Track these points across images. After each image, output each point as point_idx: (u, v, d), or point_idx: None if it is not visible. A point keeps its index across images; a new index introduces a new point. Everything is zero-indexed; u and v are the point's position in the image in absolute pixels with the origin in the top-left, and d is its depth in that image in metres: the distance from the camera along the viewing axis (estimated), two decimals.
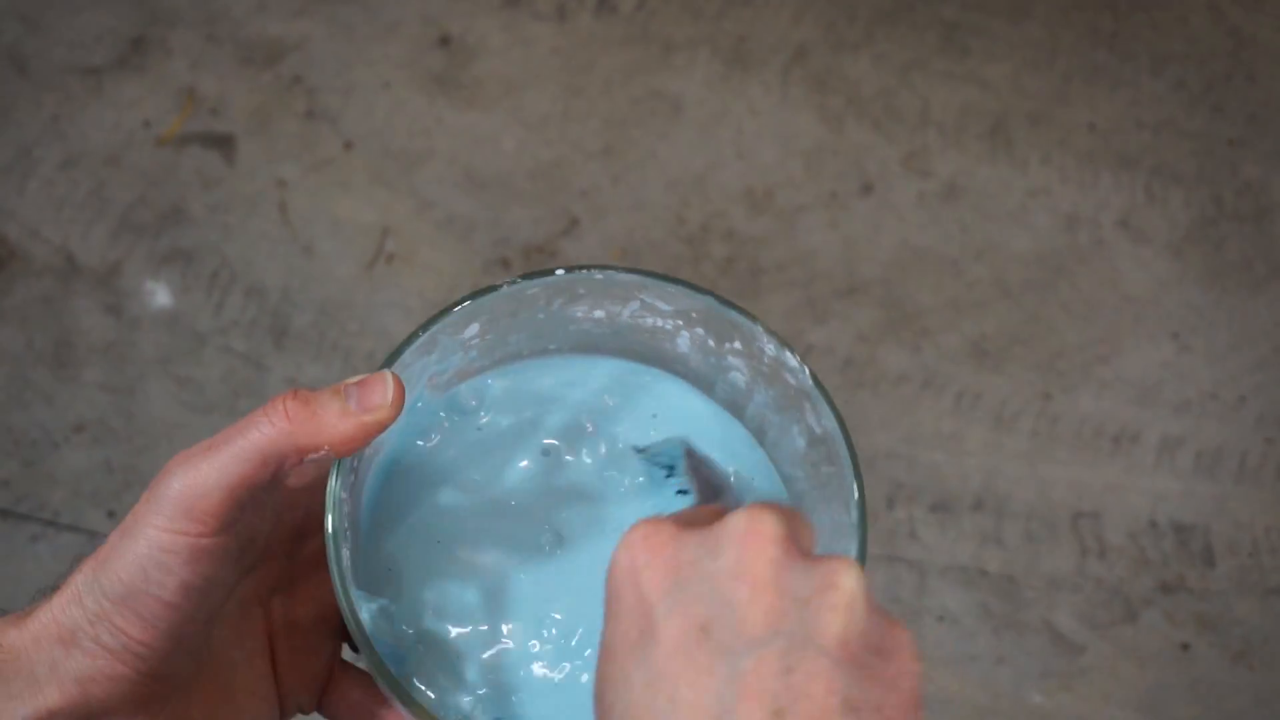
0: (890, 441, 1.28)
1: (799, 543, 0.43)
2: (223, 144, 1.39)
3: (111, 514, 1.23)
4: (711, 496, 0.54)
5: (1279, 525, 1.27)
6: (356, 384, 0.51)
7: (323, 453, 0.50)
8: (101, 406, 1.27)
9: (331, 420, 0.50)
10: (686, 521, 0.44)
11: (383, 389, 0.51)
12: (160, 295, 1.32)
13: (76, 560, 0.51)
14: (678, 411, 0.59)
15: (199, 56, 1.44)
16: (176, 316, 1.31)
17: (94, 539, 1.22)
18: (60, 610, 0.50)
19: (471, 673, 0.54)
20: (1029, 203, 1.40)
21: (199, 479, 0.49)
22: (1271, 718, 1.21)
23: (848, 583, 0.42)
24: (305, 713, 0.57)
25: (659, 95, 1.44)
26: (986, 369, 1.32)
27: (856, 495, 0.53)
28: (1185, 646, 1.22)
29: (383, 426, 0.51)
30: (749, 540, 0.42)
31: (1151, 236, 1.39)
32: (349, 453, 0.51)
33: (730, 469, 0.58)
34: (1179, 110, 1.46)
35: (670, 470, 0.57)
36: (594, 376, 0.60)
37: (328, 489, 0.51)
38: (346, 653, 0.57)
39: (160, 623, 0.49)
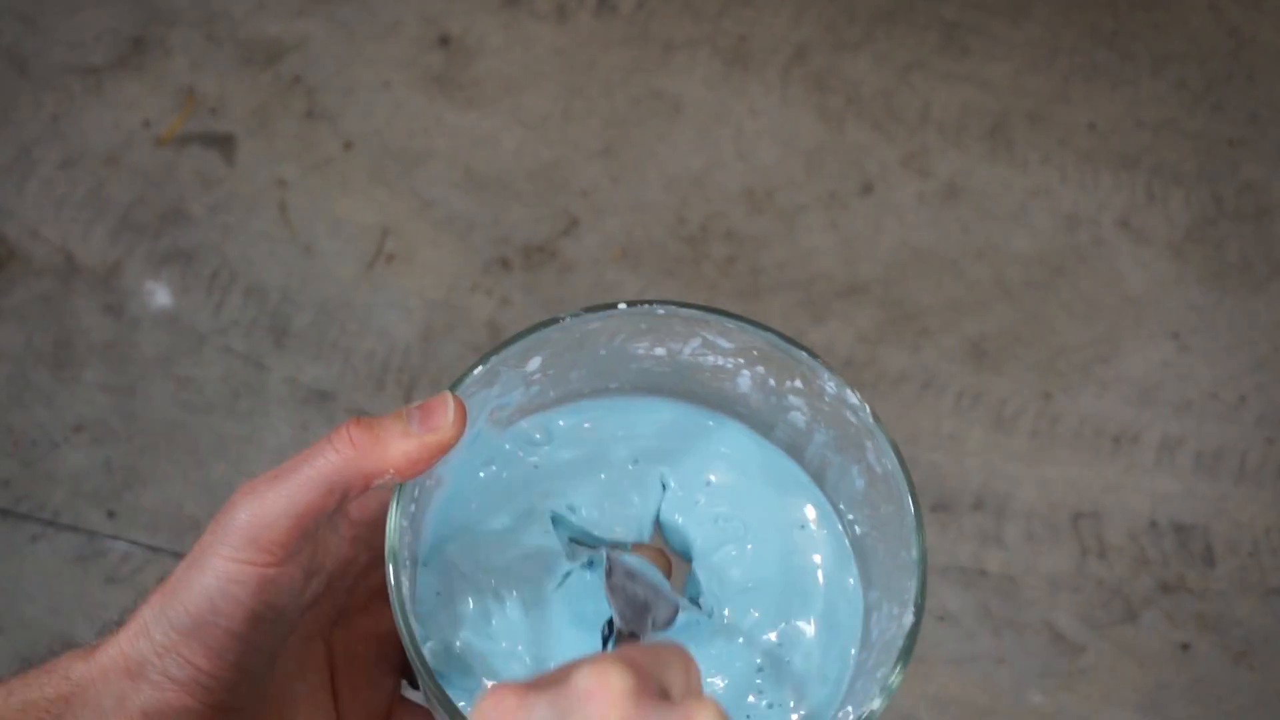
0: None
1: (654, 688, 0.41)
2: (223, 144, 1.39)
3: (111, 514, 1.23)
4: (637, 616, 0.53)
5: (1279, 525, 1.27)
6: (418, 407, 0.51)
7: (388, 477, 0.50)
8: (101, 406, 1.27)
9: (395, 442, 0.50)
10: (541, 682, 0.42)
11: (444, 409, 0.51)
12: (160, 295, 1.32)
13: (142, 594, 0.51)
14: (736, 455, 0.59)
15: (199, 56, 1.44)
16: (176, 316, 1.31)
17: (94, 539, 1.22)
18: (128, 643, 0.50)
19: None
20: (1029, 203, 1.40)
21: (265, 508, 0.49)
22: (1271, 718, 1.21)
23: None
24: None
25: (659, 95, 1.44)
26: (986, 369, 1.32)
27: (916, 533, 0.53)
28: (1185, 646, 1.22)
29: (445, 447, 0.51)
30: (594, 699, 0.40)
31: (1151, 236, 1.39)
32: (413, 475, 0.51)
33: (658, 583, 0.57)
34: (1179, 110, 1.46)
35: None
36: (655, 419, 0.60)
37: (389, 515, 0.52)
38: (406, 689, 0.58)
39: (228, 654, 0.49)
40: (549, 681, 0.42)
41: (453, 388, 0.53)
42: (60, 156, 1.38)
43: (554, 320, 0.55)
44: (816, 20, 1.49)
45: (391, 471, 0.50)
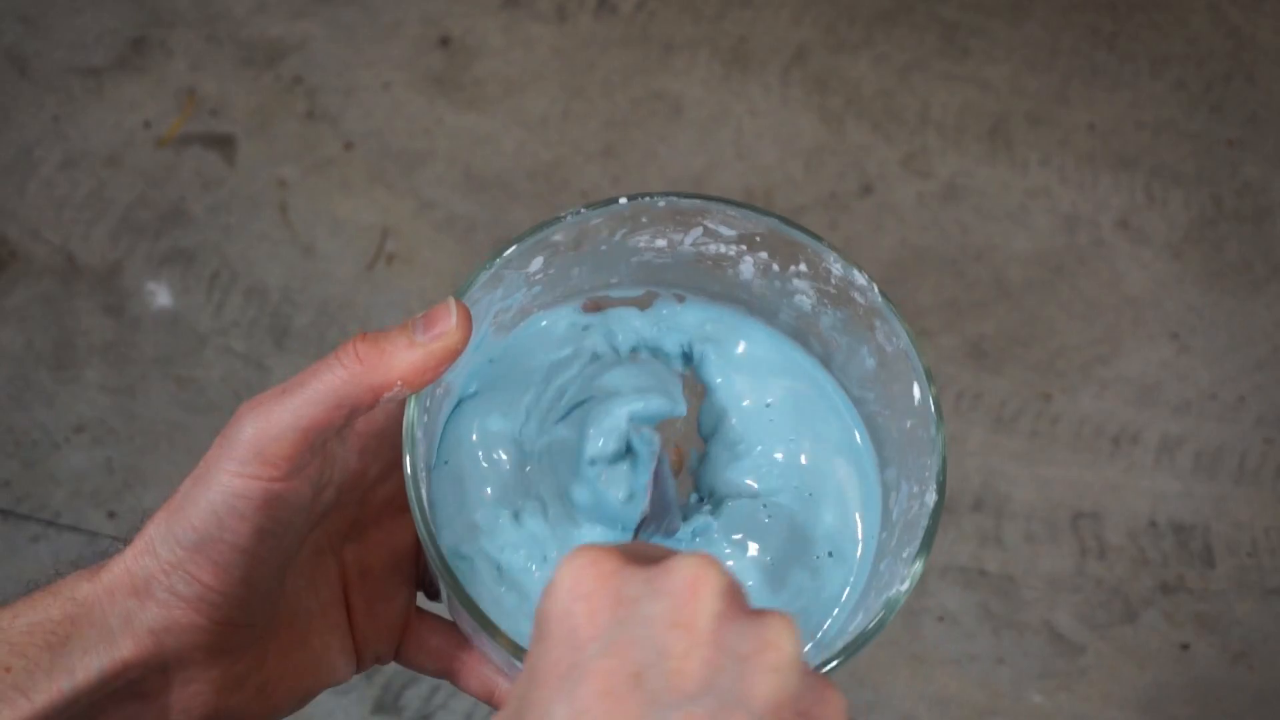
0: None
1: (742, 597, 0.42)
2: (223, 144, 1.40)
3: (112, 514, 1.23)
4: (659, 514, 0.53)
5: (1279, 525, 1.27)
6: (422, 316, 0.51)
7: (396, 389, 0.50)
8: (101, 406, 1.27)
9: (401, 353, 0.49)
10: (632, 555, 0.42)
11: (447, 315, 0.50)
12: (160, 295, 1.32)
13: (145, 514, 0.51)
14: (738, 343, 0.59)
15: (199, 57, 1.44)
16: (176, 316, 1.31)
17: (94, 539, 1.22)
18: (134, 561, 0.50)
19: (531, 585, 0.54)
20: (1029, 203, 1.40)
21: (271, 423, 0.49)
22: (1271, 718, 1.21)
23: (785, 643, 0.40)
24: (383, 663, 0.56)
25: (659, 96, 1.44)
26: (986, 369, 1.32)
27: (935, 410, 0.52)
28: (1185, 646, 1.22)
29: (452, 353, 0.50)
30: (693, 589, 0.41)
31: (1151, 237, 1.39)
32: (422, 385, 0.50)
33: (684, 499, 0.57)
34: (1179, 110, 1.46)
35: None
36: (654, 315, 0.59)
37: (404, 426, 0.51)
38: (421, 600, 0.57)
39: (235, 569, 0.49)
40: (642, 556, 0.42)
41: (458, 295, 0.52)
42: (61, 157, 1.38)
43: (557, 219, 0.54)
44: (816, 21, 1.49)
45: (400, 383, 0.50)
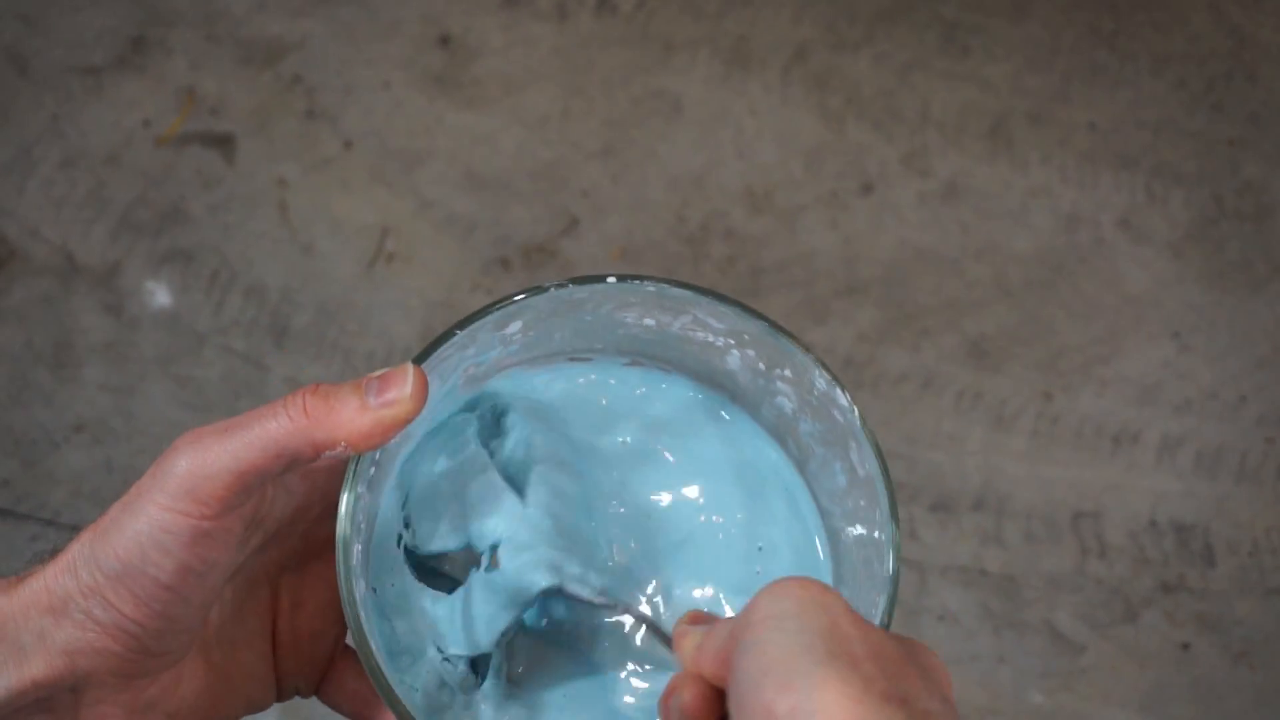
0: (890, 441, 1.28)
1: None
2: (223, 144, 1.39)
3: None
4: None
5: (1279, 525, 1.27)
6: (378, 377, 0.49)
7: (340, 449, 0.48)
8: (101, 406, 1.27)
9: (349, 415, 0.48)
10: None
11: (403, 381, 0.49)
12: (160, 295, 1.32)
13: (75, 530, 0.50)
14: (721, 440, 0.58)
15: (199, 56, 1.43)
16: (176, 316, 1.31)
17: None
18: (54, 579, 0.49)
19: (459, 663, 0.54)
20: (1029, 203, 1.40)
21: (207, 461, 0.47)
22: (1271, 718, 1.20)
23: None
24: (304, 696, 0.56)
25: (659, 95, 1.44)
26: (986, 369, 1.32)
27: (891, 548, 0.51)
28: (1185, 646, 1.22)
29: (402, 422, 0.49)
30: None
31: (1151, 236, 1.39)
32: (367, 449, 0.49)
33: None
34: (1179, 110, 1.46)
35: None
36: (628, 381, 0.58)
37: (344, 486, 0.50)
38: (350, 639, 0.56)
39: (154, 603, 0.48)
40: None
41: (424, 356, 0.51)
42: (60, 156, 1.38)
43: (539, 289, 0.53)
44: (816, 20, 1.49)
45: (344, 445, 0.48)
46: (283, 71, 1.43)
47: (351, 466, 0.50)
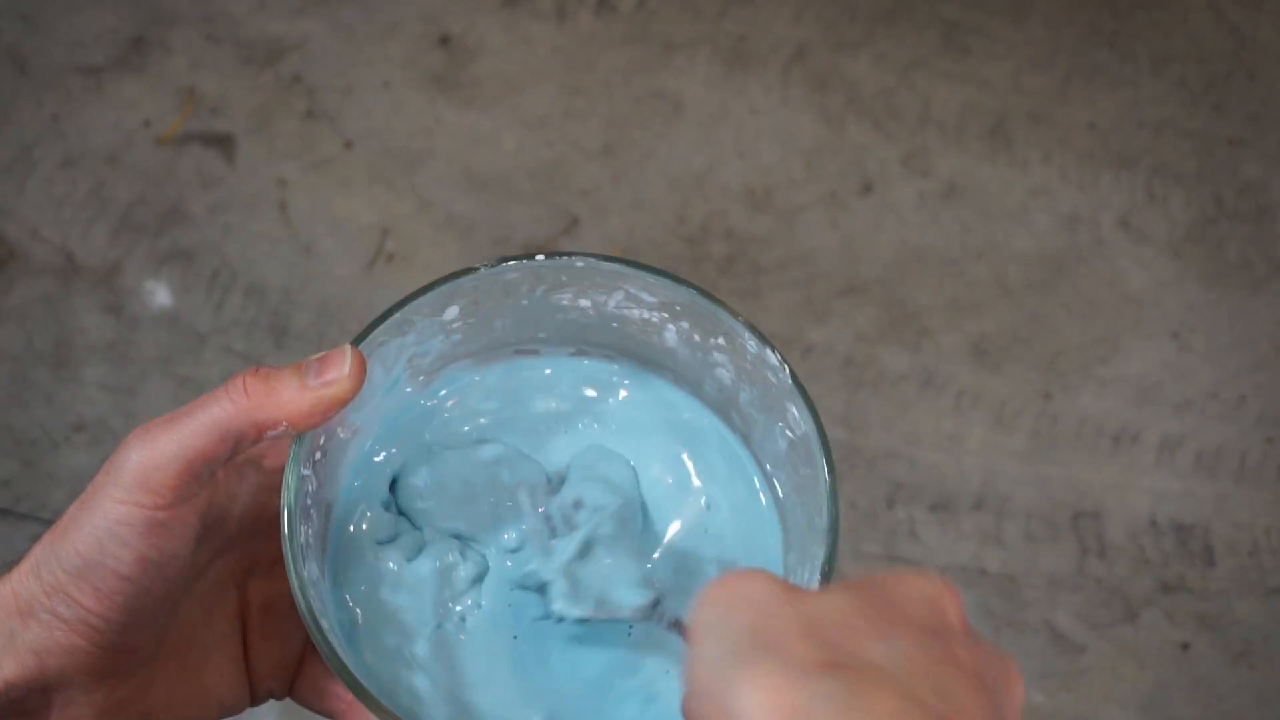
0: (890, 441, 1.28)
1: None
2: (223, 143, 1.39)
3: None
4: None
5: (1279, 525, 1.27)
6: (317, 359, 0.51)
7: (282, 429, 0.50)
8: (101, 406, 1.27)
9: (289, 395, 0.50)
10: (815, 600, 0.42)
11: (341, 362, 0.51)
12: (160, 295, 1.32)
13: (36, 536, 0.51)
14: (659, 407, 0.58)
15: (199, 56, 1.44)
16: (176, 316, 1.31)
17: None
18: (18, 582, 0.50)
19: (422, 649, 0.54)
20: (1029, 202, 1.40)
21: (156, 451, 0.49)
22: (1271, 718, 1.21)
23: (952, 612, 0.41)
24: (277, 698, 0.56)
25: (659, 95, 1.44)
26: (986, 369, 1.32)
27: (829, 500, 0.51)
28: (1185, 646, 1.22)
29: (341, 401, 0.50)
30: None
31: (1151, 236, 1.39)
32: (309, 428, 0.50)
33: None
34: (1179, 110, 1.46)
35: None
36: (577, 375, 0.59)
37: (287, 464, 0.51)
38: None
39: (116, 596, 0.49)
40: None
41: (358, 340, 0.52)
42: (60, 156, 1.38)
43: (469, 270, 0.54)
44: (816, 20, 1.49)
45: (285, 424, 0.50)
46: (283, 71, 1.43)
47: (294, 448, 0.51)
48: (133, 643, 0.50)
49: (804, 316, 1.33)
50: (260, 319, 1.31)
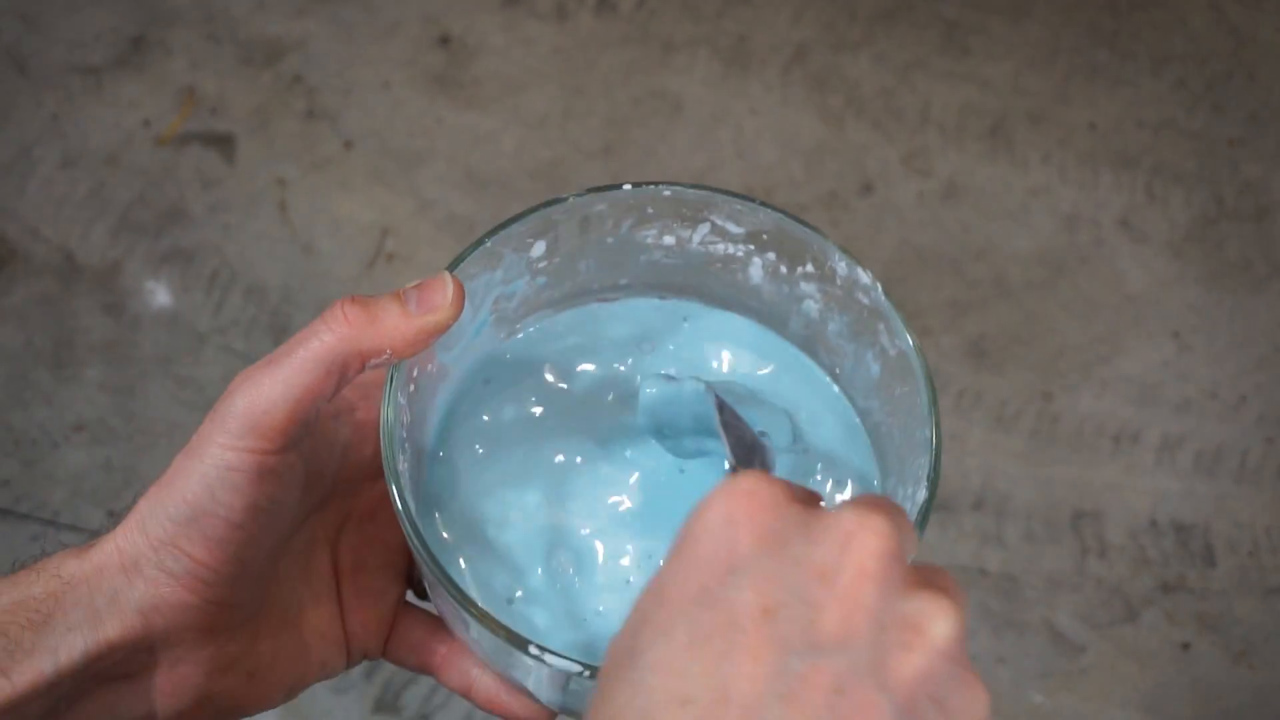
0: None
1: (903, 563, 0.39)
2: (223, 143, 1.39)
3: (111, 514, 1.23)
4: (747, 457, 0.49)
5: (1279, 525, 1.27)
6: (415, 287, 0.50)
7: (385, 357, 0.49)
8: (101, 406, 1.27)
9: (392, 323, 0.49)
10: (797, 496, 0.40)
11: (443, 289, 0.50)
12: (160, 295, 1.32)
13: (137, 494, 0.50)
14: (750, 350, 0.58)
15: (199, 56, 1.44)
16: (176, 316, 1.31)
17: (94, 538, 1.22)
18: (123, 539, 0.49)
19: (533, 579, 0.54)
20: (1029, 202, 1.40)
21: (263, 394, 0.48)
22: (1271, 718, 1.21)
23: (938, 630, 0.38)
24: (371, 658, 0.56)
25: (659, 95, 1.44)
26: (986, 369, 1.32)
27: (931, 410, 0.51)
28: (1185, 646, 1.22)
29: (443, 328, 0.50)
30: (853, 543, 0.38)
31: (1151, 236, 1.39)
32: (410, 355, 0.50)
33: (759, 429, 0.55)
34: (1179, 110, 1.46)
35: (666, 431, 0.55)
36: (663, 318, 0.58)
37: (384, 393, 0.51)
38: (411, 597, 0.57)
39: (227, 545, 0.48)
40: (808, 500, 0.40)
41: (451, 267, 0.52)
42: (60, 156, 1.38)
43: (558, 200, 0.54)
44: (816, 20, 1.49)
45: (389, 351, 0.49)
46: (283, 71, 1.43)
47: (392, 373, 0.51)
48: (240, 597, 0.50)
49: None
50: (260, 319, 1.31)
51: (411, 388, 0.52)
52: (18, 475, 1.24)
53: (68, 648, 0.48)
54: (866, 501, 0.40)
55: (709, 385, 0.52)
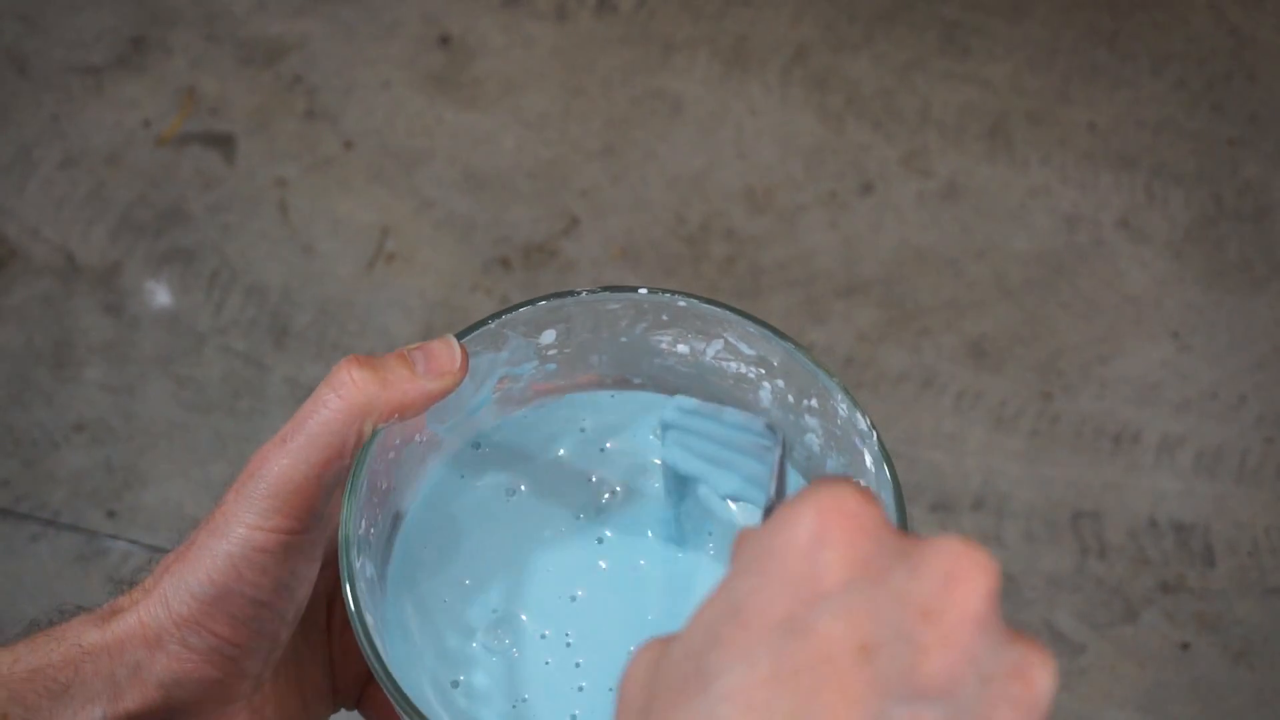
0: (890, 441, 1.28)
1: (999, 605, 0.36)
2: (223, 144, 1.40)
3: (111, 514, 1.23)
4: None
5: (1279, 525, 1.27)
6: (419, 349, 0.50)
7: (393, 420, 0.49)
8: (101, 406, 1.27)
9: (404, 385, 0.49)
10: (886, 518, 0.36)
11: (450, 354, 0.50)
12: (160, 295, 1.32)
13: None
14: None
15: (199, 56, 1.44)
16: (176, 316, 1.31)
17: (94, 539, 1.22)
18: (146, 612, 0.49)
19: (476, 671, 0.53)
20: (1029, 202, 1.40)
21: (285, 473, 0.48)
22: (1271, 718, 1.21)
23: (1041, 682, 0.35)
24: (348, 709, 0.56)
25: (659, 95, 1.44)
26: (986, 369, 1.32)
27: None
28: (1185, 646, 1.22)
29: (446, 394, 0.50)
30: (960, 580, 0.35)
31: (1151, 236, 1.39)
32: (409, 418, 0.50)
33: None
34: (1179, 110, 1.46)
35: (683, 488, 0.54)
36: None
37: (358, 451, 0.49)
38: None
39: (251, 622, 0.48)
40: (899, 540, 0.36)
41: (464, 334, 0.51)
42: (60, 156, 1.38)
43: (570, 292, 0.53)
44: (816, 20, 1.49)
45: (396, 416, 0.49)
46: (283, 71, 1.43)
47: (373, 437, 0.49)
48: (258, 667, 0.50)
49: (804, 317, 1.33)
50: (260, 319, 1.31)
51: (391, 454, 0.51)
52: (18, 475, 1.24)
53: (86, 718, 0.48)
54: (964, 537, 0.36)
55: (773, 421, 0.50)
